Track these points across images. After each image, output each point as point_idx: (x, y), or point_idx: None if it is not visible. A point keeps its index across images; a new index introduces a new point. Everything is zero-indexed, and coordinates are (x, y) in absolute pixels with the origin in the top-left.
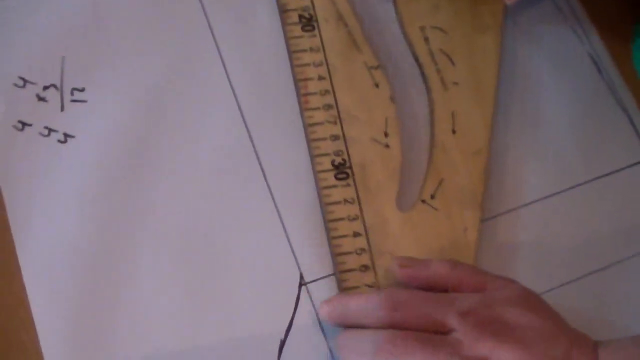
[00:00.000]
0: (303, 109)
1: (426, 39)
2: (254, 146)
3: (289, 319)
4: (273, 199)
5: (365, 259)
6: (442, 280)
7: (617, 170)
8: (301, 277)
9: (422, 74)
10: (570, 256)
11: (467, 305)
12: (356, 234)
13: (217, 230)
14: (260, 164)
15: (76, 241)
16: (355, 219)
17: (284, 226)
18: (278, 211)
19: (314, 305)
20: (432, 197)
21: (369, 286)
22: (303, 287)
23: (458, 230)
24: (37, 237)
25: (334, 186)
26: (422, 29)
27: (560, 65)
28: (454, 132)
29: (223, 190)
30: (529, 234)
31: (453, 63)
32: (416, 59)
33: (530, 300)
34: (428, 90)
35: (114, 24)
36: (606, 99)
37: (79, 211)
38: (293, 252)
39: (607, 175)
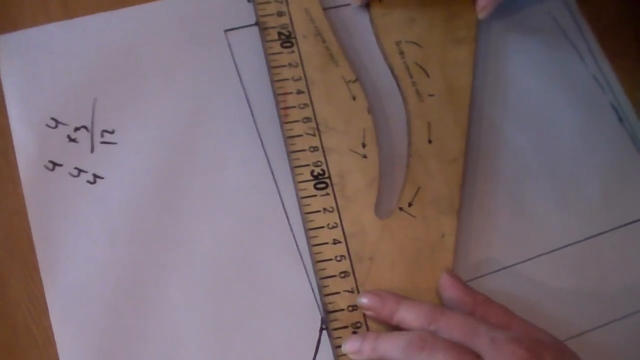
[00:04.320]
0: (283, 122)
1: (402, 53)
2: (275, 181)
3: None
4: (295, 240)
5: (345, 266)
6: (469, 307)
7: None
8: (322, 321)
9: (399, 86)
10: (593, 304)
11: (498, 334)
12: (336, 242)
13: (241, 270)
14: (281, 199)
15: (104, 279)
16: (334, 227)
17: (305, 267)
18: (299, 252)
19: (334, 349)
20: (410, 204)
21: (349, 292)
22: (324, 332)
23: (436, 236)
24: (65, 275)
25: (314, 195)
26: (398, 43)
27: (581, 113)
28: (430, 141)
29: (247, 228)
30: (551, 280)
31: (428, 75)
32: (392, 72)
33: (559, 347)
34: (404, 101)
35: (144, 67)
36: (627, 148)
37: (107, 251)
38: (315, 296)
39: (628, 224)
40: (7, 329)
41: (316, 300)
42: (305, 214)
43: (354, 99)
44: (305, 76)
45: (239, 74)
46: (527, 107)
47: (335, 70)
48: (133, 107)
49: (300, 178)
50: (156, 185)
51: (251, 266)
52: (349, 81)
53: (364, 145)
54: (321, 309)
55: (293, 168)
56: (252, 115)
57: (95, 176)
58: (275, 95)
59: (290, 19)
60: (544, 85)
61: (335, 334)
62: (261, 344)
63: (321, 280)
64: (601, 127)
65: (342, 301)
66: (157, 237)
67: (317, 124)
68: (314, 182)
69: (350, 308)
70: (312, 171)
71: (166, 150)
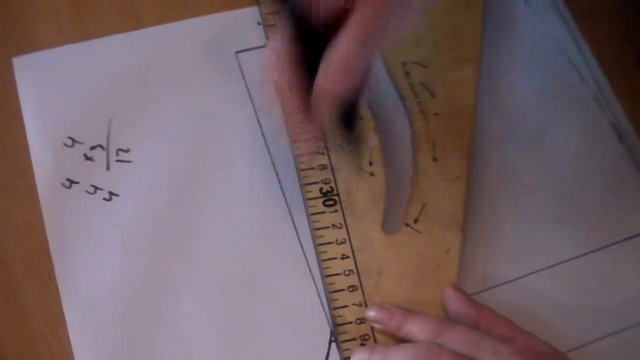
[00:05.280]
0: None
1: (407, 74)
2: (285, 198)
3: None
4: (304, 254)
5: (353, 280)
6: (474, 320)
7: (637, 235)
8: (331, 333)
9: (404, 106)
10: (593, 316)
11: (501, 347)
12: (344, 257)
13: (252, 283)
14: (291, 214)
15: (119, 292)
16: (343, 242)
17: (314, 281)
18: (309, 266)
19: None
20: (416, 221)
21: (357, 305)
22: (332, 344)
23: (441, 251)
24: (82, 288)
25: (323, 212)
26: (404, 64)
27: (581, 131)
28: (435, 159)
29: (258, 243)
30: (552, 293)
31: (433, 95)
32: (398, 92)
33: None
34: (410, 121)
35: (158, 87)
36: (627, 165)
37: (122, 265)
38: (324, 308)
39: (629, 238)
40: (24, 340)
41: (325, 313)
42: (314, 230)
43: (361, 118)
44: None
45: (249, 94)
46: (528, 126)
47: None
48: (147, 126)
49: (309, 195)
50: (169, 202)
51: (261, 279)
52: None
53: (371, 164)
54: (330, 322)
55: (303, 185)
56: (262, 133)
57: (111, 193)
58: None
59: None
60: (545, 104)
61: (344, 346)
62: (271, 356)
63: (330, 294)
64: (601, 145)
65: (350, 314)
66: (170, 252)
67: (325, 143)
68: (322, 199)
69: (359, 321)
70: (321, 188)
71: (179, 168)
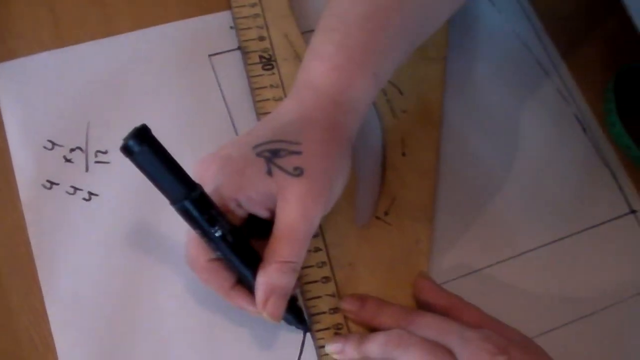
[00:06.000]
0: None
1: None
2: None
3: None
4: None
5: (325, 272)
6: (444, 308)
7: (603, 223)
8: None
9: (374, 104)
10: (558, 303)
11: (469, 332)
12: (317, 249)
13: None
14: None
15: (99, 288)
16: (315, 236)
17: None
18: None
19: (317, 349)
20: (386, 213)
21: (330, 296)
22: (308, 334)
23: (411, 242)
24: (63, 286)
25: None
26: None
27: (547, 124)
28: (403, 154)
29: None
30: (519, 281)
31: (401, 93)
32: None
33: (530, 346)
34: (379, 118)
35: (134, 90)
36: (591, 156)
37: (102, 262)
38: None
39: (593, 227)
40: (9, 337)
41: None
42: None
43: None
44: (285, 96)
45: (223, 96)
46: (495, 121)
47: None
48: (124, 128)
49: None
50: (147, 201)
51: None
52: None
53: None
54: (305, 312)
55: None
56: (236, 133)
57: (90, 193)
58: (258, 114)
59: (271, 43)
60: (512, 99)
61: (318, 335)
62: (249, 345)
63: (304, 285)
64: (566, 137)
65: (323, 304)
66: (148, 249)
67: None
68: None
69: (332, 311)
70: None
71: None
